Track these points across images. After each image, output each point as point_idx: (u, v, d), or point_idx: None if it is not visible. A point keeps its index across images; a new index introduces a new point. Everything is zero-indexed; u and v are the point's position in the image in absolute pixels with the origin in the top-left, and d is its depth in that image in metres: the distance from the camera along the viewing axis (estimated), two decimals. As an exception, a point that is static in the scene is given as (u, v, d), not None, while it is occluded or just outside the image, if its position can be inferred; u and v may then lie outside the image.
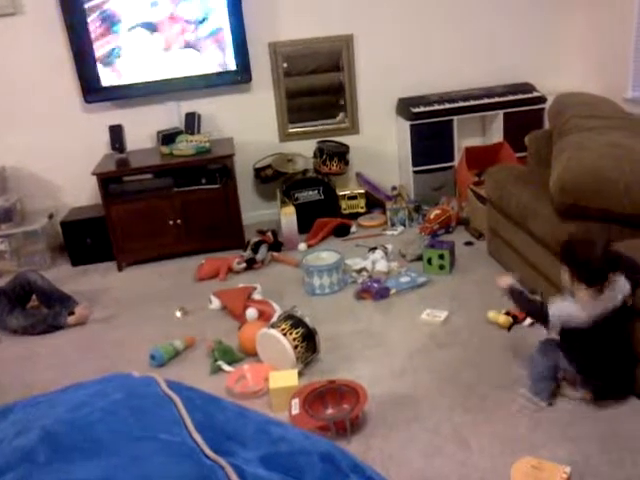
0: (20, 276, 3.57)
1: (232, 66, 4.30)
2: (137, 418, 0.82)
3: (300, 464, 0.81)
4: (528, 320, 2.92)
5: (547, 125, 3.96)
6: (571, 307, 2.25)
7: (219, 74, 4.31)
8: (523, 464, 2.05)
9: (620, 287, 2.22)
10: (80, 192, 4.46)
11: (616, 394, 2.32)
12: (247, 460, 0.78)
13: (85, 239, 4.21)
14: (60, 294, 3.54)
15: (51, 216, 4.41)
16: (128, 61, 4.18)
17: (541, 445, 2.15)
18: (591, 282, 2.20)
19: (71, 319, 3.37)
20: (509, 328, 2.91)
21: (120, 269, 4.13)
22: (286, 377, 2.54)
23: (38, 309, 3.56)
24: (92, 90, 4.21)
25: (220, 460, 0.75)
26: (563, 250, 2.31)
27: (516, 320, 2.93)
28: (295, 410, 2.33)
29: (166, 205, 4.08)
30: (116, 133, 4.24)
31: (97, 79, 4.18)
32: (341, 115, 4.69)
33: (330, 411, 2.41)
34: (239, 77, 4.34)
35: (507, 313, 2.94)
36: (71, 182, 4.45)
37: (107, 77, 4.19)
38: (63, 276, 4.08)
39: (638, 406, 2.29)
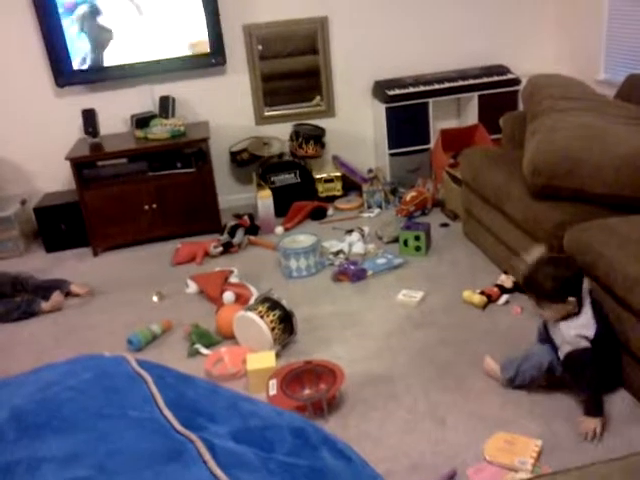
0: (6, 274, 3.53)
1: (206, 49, 4.26)
2: (107, 396, 0.82)
3: (270, 438, 0.82)
4: (502, 299, 2.97)
5: (521, 107, 4.00)
6: (576, 322, 2.19)
7: (193, 57, 4.26)
8: (496, 439, 2.09)
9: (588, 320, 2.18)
10: (53, 177, 4.40)
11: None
12: (217, 435, 0.78)
13: (59, 225, 4.16)
14: (51, 281, 3.52)
15: (24, 202, 4.35)
16: (100, 44, 4.11)
17: (513, 421, 2.19)
18: (551, 297, 2.18)
19: (46, 305, 3.34)
20: (484, 307, 2.95)
21: (95, 254, 4.09)
22: (263, 359, 2.55)
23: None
24: (63, 73, 4.14)
25: (191, 435, 0.76)
26: (524, 285, 2.33)
27: (490, 299, 2.97)
28: (272, 391, 2.35)
29: (141, 190, 4.04)
30: (89, 117, 4.18)
31: (68, 62, 4.11)
32: (317, 98, 4.67)
33: (307, 391, 2.43)
34: (213, 60, 4.30)
35: (482, 292, 2.98)
36: (44, 167, 4.38)
37: (78, 60, 4.11)
38: (38, 263, 4.03)
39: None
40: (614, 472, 1.19)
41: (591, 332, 2.15)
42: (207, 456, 0.73)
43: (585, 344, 2.14)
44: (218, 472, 0.70)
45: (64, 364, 0.95)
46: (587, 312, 2.19)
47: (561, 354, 2.19)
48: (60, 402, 0.81)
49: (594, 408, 2.10)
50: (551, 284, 2.17)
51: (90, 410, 0.79)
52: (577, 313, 2.19)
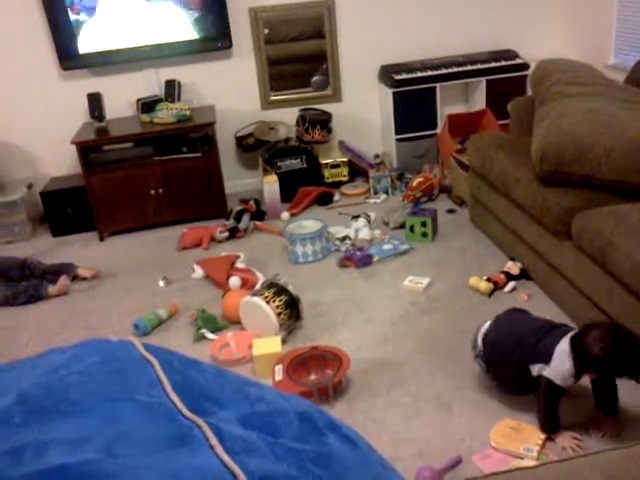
0: (15, 258, 3.54)
1: (212, 32, 4.22)
2: (114, 380, 0.82)
3: (277, 423, 0.82)
4: (509, 286, 2.96)
5: (530, 92, 3.96)
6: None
7: (199, 40, 4.24)
8: (502, 426, 2.09)
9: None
10: (59, 162, 4.40)
11: None
12: (225, 420, 0.78)
13: (66, 209, 4.16)
14: (58, 265, 3.53)
15: (30, 186, 4.35)
16: (106, 27, 4.08)
17: (519, 408, 2.19)
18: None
19: (52, 290, 3.35)
20: (490, 294, 2.94)
21: (102, 239, 4.10)
22: (269, 344, 2.55)
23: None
24: (69, 57, 4.12)
25: (198, 419, 0.76)
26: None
27: (497, 286, 2.96)
28: (278, 376, 2.35)
29: (147, 174, 4.03)
30: (95, 101, 4.17)
31: (74, 46, 4.09)
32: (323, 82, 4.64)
33: (313, 377, 2.43)
34: (219, 44, 4.27)
35: (488, 279, 2.97)
36: (50, 152, 4.38)
37: (84, 44, 4.09)
38: (44, 247, 4.04)
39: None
40: (621, 459, 1.18)
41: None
42: (214, 441, 0.73)
43: (566, 384, 2.01)
44: (225, 457, 0.70)
45: (71, 348, 0.95)
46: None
47: (547, 373, 2.02)
48: (67, 386, 0.81)
49: (551, 426, 2.05)
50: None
51: (97, 394, 0.79)
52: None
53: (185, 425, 0.75)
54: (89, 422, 0.74)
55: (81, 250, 3.97)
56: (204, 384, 0.87)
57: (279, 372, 2.37)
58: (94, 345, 0.96)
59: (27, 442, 0.72)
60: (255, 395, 0.88)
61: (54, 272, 3.45)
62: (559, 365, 1.98)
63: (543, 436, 2.02)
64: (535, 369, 2.05)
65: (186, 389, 0.83)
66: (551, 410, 2.04)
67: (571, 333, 2.03)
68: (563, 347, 1.99)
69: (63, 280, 3.38)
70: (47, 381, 0.83)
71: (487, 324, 2.29)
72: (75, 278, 3.50)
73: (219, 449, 0.72)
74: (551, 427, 2.04)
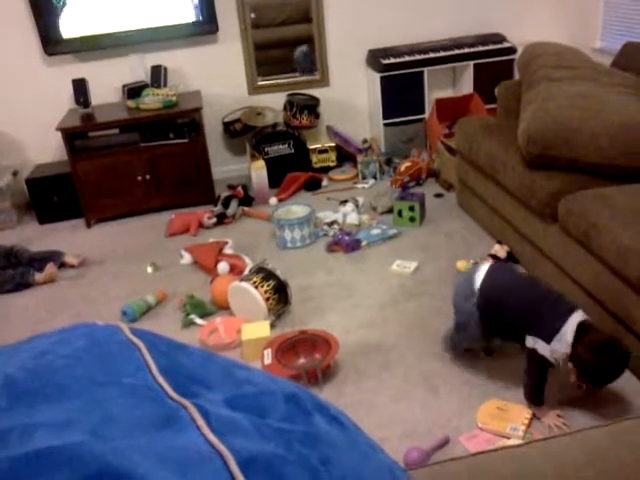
0: (0, 246, 3.52)
1: (198, 16, 4.19)
2: (100, 364, 0.82)
3: (264, 404, 0.82)
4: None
5: (517, 76, 3.96)
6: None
7: (185, 25, 4.20)
8: (489, 406, 2.12)
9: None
10: (45, 148, 4.36)
11: None
12: (211, 401, 0.78)
13: (52, 196, 4.13)
14: (45, 253, 3.51)
15: (15, 173, 4.31)
16: (90, 11, 4.03)
17: (506, 389, 2.21)
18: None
19: (39, 277, 3.34)
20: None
21: (89, 226, 4.07)
22: (258, 328, 2.56)
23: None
24: (53, 42, 4.07)
25: (184, 401, 0.76)
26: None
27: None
28: (267, 360, 2.36)
29: (134, 160, 4.01)
30: (80, 87, 4.12)
31: (58, 30, 4.04)
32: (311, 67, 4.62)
33: (302, 361, 2.44)
34: (205, 28, 4.23)
35: (475, 263, 2.98)
36: (35, 138, 4.34)
37: (68, 28, 4.04)
38: (30, 235, 4.02)
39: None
40: (603, 436, 1.20)
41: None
42: (200, 422, 0.73)
43: (557, 363, 2.03)
44: (211, 437, 0.71)
45: (57, 333, 0.95)
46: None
47: (543, 350, 2.03)
48: (53, 370, 0.81)
49: (537, 399, 2.08)
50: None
51: (83, 377, 0.79)
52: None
53: (172, 407, 0.75)
54: (76, 405, 0.74)
55: (68, 237, 3.95)
56: (191, 367, 0.87)
57: (268, 356, 2.38)
58: (80, 329, 0.96)
59: (12, 426, 0.72)
60: (242, 377, 0.88)
61: (41, 260, 3.43)
62: (559, 347, 1.98)
63: (529, 415, 2.05)
64: (531, 342, 2.03)
65: (173, 372, 0.83)
66: (539, 384, 2.07)
67: (578, 316, 1.99)
68: (568, 331, 1.96)
69: (50, 267, 3.37)
70: (33, 365, 0.83)
71: (481, 274, 2.24)
72: (62, 265, 3.49)
73: (206, 429, 0.72)
74: (538, 400, 2.07)
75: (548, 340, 2.00)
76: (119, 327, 0.96)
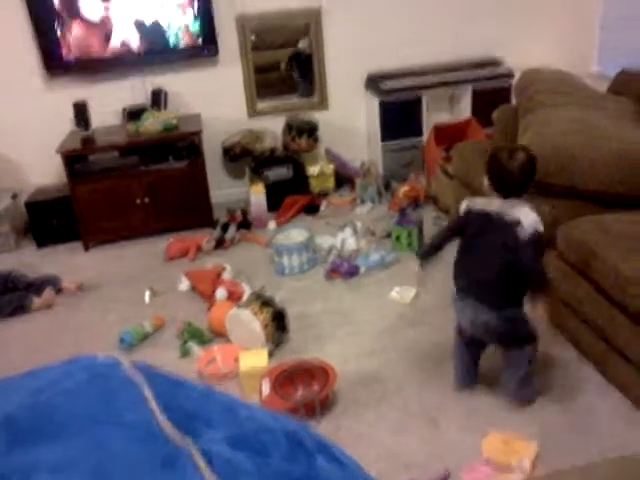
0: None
1: (199, 40, 4.22)
2: (100, 400, 0.81)
3: (266, 443, 0.81)
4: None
5: (514, 101, 3.99)
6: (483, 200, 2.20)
7: (185, 48, 4.23)
8: (493, 439, 2.09)
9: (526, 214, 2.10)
10: (45, 171, 4.36)
11: None
12: (213, 440, 0.78)
13: (51, 219, 4.13)
14: (42, 278, 3.50)
15: (15, 196, 4.31)
16: (93, 35, 4.06)
17: (507, 422, 2.20)
18: (506, 194, 2.12)
19: (37, 302, 3.33)
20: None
21: (87, 249, 4.07)
22: (256, 357, 2.54)
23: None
24: (54, 65, 4.10)
25: (185, 441, 0.75)
26: (488, 160, 2.18)
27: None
28: (265, 392, 2.34)
29: (133, 184, 4.02)
30: (80, 110, 4.14)
31: (60, 54, 4.06)
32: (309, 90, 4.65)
33: (300, 392, 2.42)
34: (206, 51, 4.27)
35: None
36: (35, 161, 4.34)
37: (70, 51, 4.07)
38: (28, 258, 4.01)
39: (591, 376, 2.36)
40: (607, 473, 1.20)
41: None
42: (202, 463, 0.73)
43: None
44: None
45: (56, 367, 0.94)
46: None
47: (523, 234, 2.06)
48: (53, 407, 0.80)
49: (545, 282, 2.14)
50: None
51: (83, 415, 0.79)
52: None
53: (173, 446, 0.74)
54: (76, 445, 0.74)
55: (66, 261, 3.94)
56: (192, 403, 0.87)
57: (266, 387, 2.36)
58: (80, 363, 0.95)
59: (13, 468, 0.71)
60: (244, 415, 0.87)
61: (39, 285, 3.42)
62: (529, 216, 2.06)
63: (534, 449, 2.03)
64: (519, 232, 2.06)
65: (174, 409, 0.82)
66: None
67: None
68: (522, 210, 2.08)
69: (47, 293, 3.36)
70: (32, 403, 0.82)
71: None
72: (60, 291, 3.48)
73: (207, 471, 0.72)
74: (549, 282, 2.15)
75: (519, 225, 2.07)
76: (119, 360, 0.96)
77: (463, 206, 2.25)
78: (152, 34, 4.13)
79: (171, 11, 4.10)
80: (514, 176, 2.09)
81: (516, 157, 2.09)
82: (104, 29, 4.06)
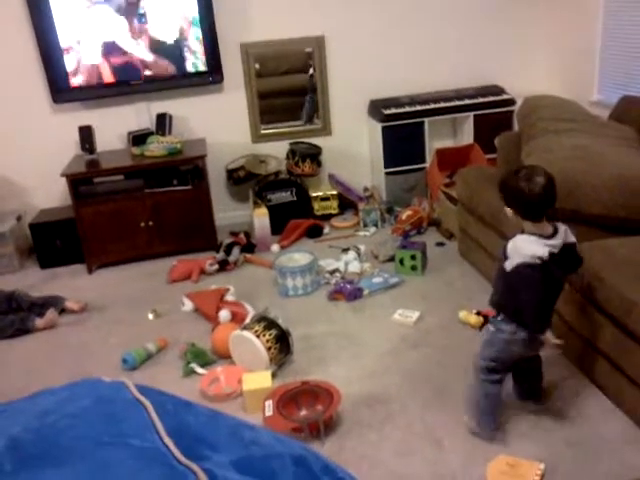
0: (1, 291, 3.52)
1: (203, 67, 4.28)
2: (106, 424, 0.81)
3: (273, 467, 0.81)
4: (499, 320, 2.96)
5: (516, 127, 4.02)
6: (530, 239, 2.03)
7: (190, 75, 4.29)
8: (498, 462, 2.07)
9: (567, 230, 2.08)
10: (49, 193, 4.39)
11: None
12: (219, 464, 0.77)
13: (55, 241, 4.15)
14: (46, 298, 3.51)
15: (19, 218, 4.33)
16: (98, 60, 4.12)
17: (512, 444, 2.18)
18: (535, 217, 2.02)
19: (40, 323, 3.32)
20: (480, 328, 2.93)
21: (90, 271, 4.07)
22: (259, 378, 2.53)
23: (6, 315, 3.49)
24: (61, 90, 4.15)
25: (192, 465, 0.75)
26: (503, 191, 2.10)
27: (487, 320, 2.96)
28: (269, 412, 2.33)
29: (137, 206, 4.04)
30: (86, 134, 4.19)
31: (66, 79, 4.12)
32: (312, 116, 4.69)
33: (304, 412, 2.41)
34: (210, 78, 4.32)
35: (478, 313, 2.98)
36: (40, 183, 4.38)
37: (76, 77, 4.13)
38: (32, 279, 4.01)
39: (596, 400, 2.35)
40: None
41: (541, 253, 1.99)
42: (208, 487, 0.72)
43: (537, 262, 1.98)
44: (220, 504, 0.70)
45: (62, 389, 0.94)
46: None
47: (509, 266, 2.03)
48: (59, 431, 0.80)
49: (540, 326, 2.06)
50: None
51: (89, 439, 0.78)
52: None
53: (180, 471, 0.74)
54: (82, 469, 0.73)
55: (69, 283, 3.94)
56: (198, 427, 0.86)
57: (269, 408, 2.35)
58: (86, 386, 0.95)
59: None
60: (249, 438, 0.87)
61: (42, 305, 3.42)
62: (517, 252, 2.00)
63: (540, 472, 2.01)
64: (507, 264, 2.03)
65: (180, 433, 0.82)
66: (537, 303, 2.02)
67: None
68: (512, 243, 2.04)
69: (50, 313, 3.35)
70: (38, 426, 0.82)
71: None
72: (63, 311, 3.48)
73: (214, 496, 0.71)
74: (541, 325, 2.06)
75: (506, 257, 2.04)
76: (125, 384, 0.95)
77: (539, 252, 1.99)
78: (159, 61, 4.19)
79: (177, 38, 4.17)
80: (545, 195, 2.01)
81: (535, 180, 2.01)
82: (110, 55, 4.12)
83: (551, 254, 1.98)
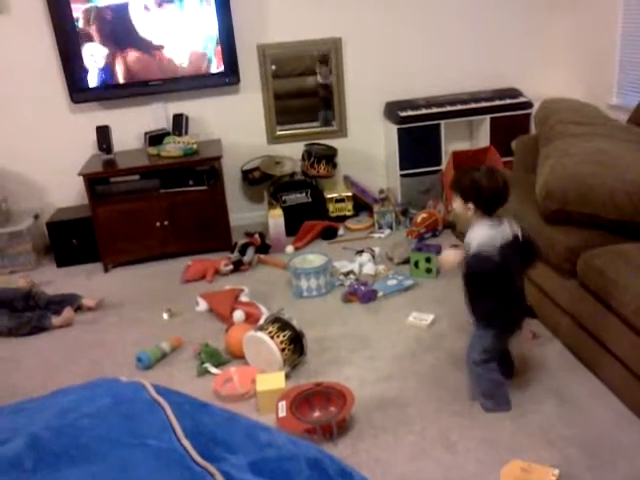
0: (19, 289, 3.57)
1: (220, 68, 4.30)
2: (125, 424, 0.82)
3: (288, 470, 0.81)
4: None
5: (533, 130, 4.00)
6: (486, 224, 2.23)
7: (207, 76, 4.31)
8: (513, 467, 2.06)
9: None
10: (66, 192, 4.43)
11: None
12: (236, 466, 0.78)
13: (71, 240, 4.19)
14: (62, 296, 3.55)
15: (37, 216, 4.38)
16: (116, 61, 4.16)
17: (526, 448, 2.17)
18: (491, 211, 2.23)
19: (56, 321, 3.35)
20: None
21: (106, 270, 4.11)
22: (273, 379, 2.54)
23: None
24: (79, 90, 4.19)
25: (209, 466, 0.75)
26: (468, 188, 2.26)
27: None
28: (282, 413, 2.33)
29: (153, 206, 4.06)
30: (103, 134, 4.22)
31: (84, 79, 4.16)
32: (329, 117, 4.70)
33: (317, 414, 2.41)
34: (227, 79, 4.34)
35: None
36: (57, 182, 4.42)
37: (94, 78, 4.17)
38: (48, 277, 4.05)
39: (611, 405, 2.32)
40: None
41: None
42: (225, 488, 0.73)
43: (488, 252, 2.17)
44: (237, 506, 0.70)
45: (81, 389, 0.95)
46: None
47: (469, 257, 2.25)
48: (78, 430, 0.80)
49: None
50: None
51: (108, 439, 0.79)
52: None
53: (197, 472, 0.75)
54: (100, 468, 0.74)
55: (85, 281, 3.98)
56: (215, 428, 0.87)
57: (282, 408, 2.35)
58: (104, 386, 0.96)
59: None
60: (265, 440, 0.87)
61: (58, 302, 3.46)
62: (475, 238, 2.20)
63: (554, 477, 1.99)
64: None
65: (197, 434, 0.83)
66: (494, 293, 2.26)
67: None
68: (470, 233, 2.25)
69: (67, 312, 3.39)
70: (58, 424, 0.83)
71: None
72: (79, 308, 3.51)
73: (230, 497, 0.72)
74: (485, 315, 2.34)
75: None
76: (143, 385, 0.96)
77: (496, 235, 2.21)
78: (176, 61, 4.21)
79: (195, 39, 4.19)
80: (505, 191, 2.22)
81: (495, 176, 2.23)
82: (128, 56, 4.15)
83: (505, 240, 2.20)
